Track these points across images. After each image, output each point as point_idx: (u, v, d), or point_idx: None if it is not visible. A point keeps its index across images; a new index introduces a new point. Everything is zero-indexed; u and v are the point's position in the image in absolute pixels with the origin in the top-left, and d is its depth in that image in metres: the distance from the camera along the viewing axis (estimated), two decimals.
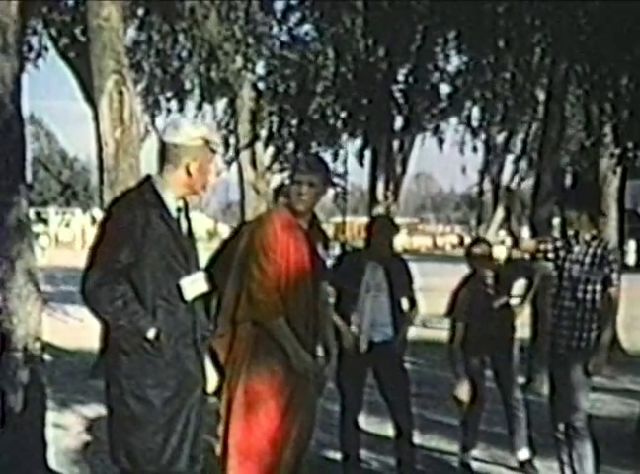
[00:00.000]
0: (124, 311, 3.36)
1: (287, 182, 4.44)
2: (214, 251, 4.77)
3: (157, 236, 3.44)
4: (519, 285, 6.06)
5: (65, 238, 51.90)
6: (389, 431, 5.66)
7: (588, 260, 5.08)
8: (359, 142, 14.56)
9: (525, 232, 10.43)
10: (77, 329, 11.82)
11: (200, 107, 14.39)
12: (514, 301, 6.07)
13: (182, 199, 3.64)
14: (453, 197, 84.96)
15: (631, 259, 36.96)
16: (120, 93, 5.98)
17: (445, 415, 6.99)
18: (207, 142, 3.57)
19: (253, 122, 14.21)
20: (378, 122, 13.44)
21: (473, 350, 5.82)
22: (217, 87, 13.73)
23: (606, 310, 5.08)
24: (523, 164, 25.53)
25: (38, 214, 49.56)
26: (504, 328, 5.87)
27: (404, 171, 14.65)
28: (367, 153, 14.26)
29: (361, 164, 14.44)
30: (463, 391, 5.70)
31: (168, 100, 14.22)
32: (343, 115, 14.12)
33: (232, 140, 14.93)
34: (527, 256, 5.78)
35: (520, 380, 6.48)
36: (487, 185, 28.17)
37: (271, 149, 14.85)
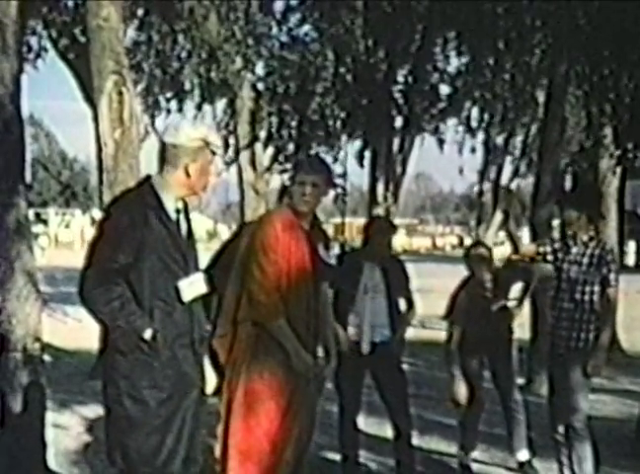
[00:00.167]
0: (121, 312, 3.36)
1: (290, 182, 4.42)
2: (215, 252, 4.77)
3: (155, 237, 3.43)
4: (515, 287, 6.06)
5: (65, 239, 51.90)
6: (388, 432, 5.65)
7: (586, 261, 5.10)
8: (358, 143, 14.57)
9: (525, 233, 10.44)
10: (77, 329, 11.81)
11: (199, 107, 14.38)
12: (511, 303, 6.07)
13: (181, 200, 3.64)
14: (453, 198, 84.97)
15: (631, 260, 36.98)
16: (120, 93, 5.97)
17: (445, 416, 6.99)
18: (207, 143, 3.56)
19: (252, 123, 14.20)
20: (378, 123, 13.44)
21: (471, 351, 5.81)
22: (217, 87, 13.72)
23: (605, 311, 5.10)
24: (523, 165, 25.51)
25: (37, 215, 49.58)
26: (502, 330, 5.87)
27: (404, 172, 14.64)
28: (367, 154, 14.27)
29: (361, 165, 14.44)
30: (460, 393, 5.70)
31: (168, 100, 14.21)
32: (342, 115, 14.12)
33: (232, 141, 14.93)
34: (527, 259, 5.78)
35: (520, 381, 6.48)
36: (487, 185, 28.16)
37: (270, 150, 14.84)
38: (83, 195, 64.19)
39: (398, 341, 5.57)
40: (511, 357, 5.95)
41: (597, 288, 5.07)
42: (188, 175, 3.55)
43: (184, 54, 13.41)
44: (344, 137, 14.64)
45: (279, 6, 14.02)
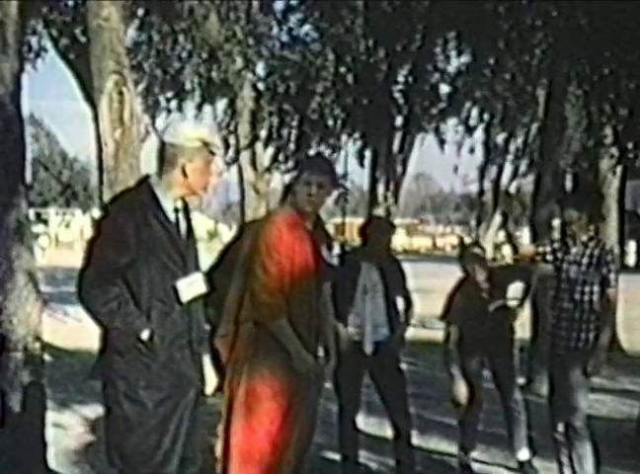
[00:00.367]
0: (119, 312, 3.36)
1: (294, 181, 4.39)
2: (219, 252, 4.77)
3: (153, 237, 3.43)
4: (515, 287, 6.06)
5: (65, 238, 51.91)
6: (388, 431, 5.66)
7: (585, 261, 5.10)
8: (359, 143, 14.57)
9: (526, 233, 10.43)
10: (77, 329, 11.81)
11: (200, 107, 14.39)
12: (512, 303, 6.07)
13: (181, 200, 3.63)
14: (453, 198, 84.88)
15: (631, 260, 36.97)
16: (121, 93, 5.97)
17: (445, 415, 6.99)
18: (205, 144, 3.55)
19: (253, 123, 14.21)
20: (378, 123, 13.44)
21: (470, 351, 5.82)
22: (217, 87, 13.73)
23: (605, 311, 5.10)
24: (524, 165, 25.53)
25: (37, 215, 49.62)
26: (501, 330, 5.86)
27: (404, 171, 14.64)
28: (367, 154, 14.27)
29: (362, 165, 14.45)
30: (460, 393, 5.70)
31: (168, 100, 14.21)
32: (343, 115, 14.12)
33: (232, 141, 14.93)
34: (526, 259, 5.78)
35: (520, 381, 6.48)
36: (487, 185, 28.17)
37: (271, 150, 14.85)
38: (83, 194, 64.19)
39: (398, 340, 5.58)
40: (512, 357, 5.95)
41: (596, 288, 5.08)
42: (185, 175, 3.54)
43: (184, 54, 13.41)
44: (344, 137, 14.65)
45: (279, 6, 14.02)
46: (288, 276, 4.10)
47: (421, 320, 11.82)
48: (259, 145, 14.71)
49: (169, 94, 14.18)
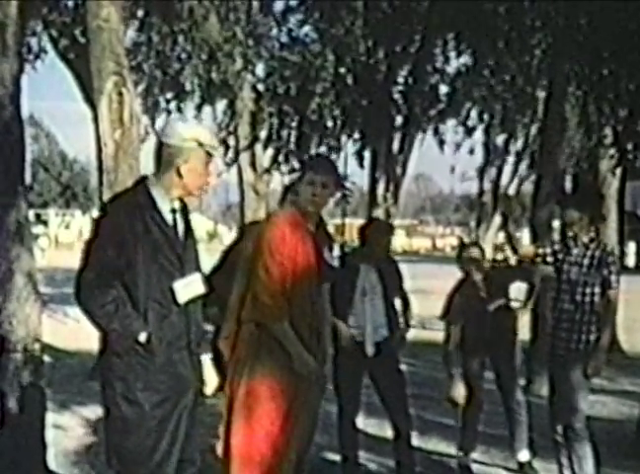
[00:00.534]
0: (116, 315, 3.35)
1: (297, 181, 4.38)
2: (221, 253, 4.78)
3: (149, 238, 3.42)
4: (517, 288, 6.05)
5: (65, 239, 51.90)
6: (388, 432, 5.66)
7: (586, 262, 5.09)
8: (358, 144, 14.57)
9: (526, 234, 10.43)
10: (76, 330, 11.80)
11: (199, 108, 14.38)
12: (514, 304, 6.06)
13: (179, 201, 3.62)
14: (453, 199, 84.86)
15: (631, 261, 36.97)
16: (120, 94, 5.96)
17: (444, 416, 6.99)
18: (201, 144, 3.53)
19: (253, 124, 14.21)
20: (378, 124, 13.44)
21: (471, 352, 5.82)
22: (217, 88, 13.73)
23: (605, 312, 5.08)
24: (524, 166, 25.55)
25: (37, 216, 49.63)
26: (503, 330, 5.85)
27: (404, 172, 14.64)
28: (367, 155, 14.26)
29: (361, 165, 14.45)
30: (458, 392, 5.71)
31: (168, 101, 14.21)
32: (342, 116, 14.12)
33: (232, 142, 14.93)
34: (526, 260, 5.77)
35: (520, 382, 6.47)
36: (487, 186, 28.17)
37: (270, 151, 14.85)
38: (83, 195, 64.17)
39: (398, 340, 5.58)
40: (514, 358, 5.93)
41: (597, 290, 5.07)
42: (180, 175, 3.52)
43: (184, 55, 13.41)
44: (344, 138, 14.65)
45: (279, 7, 14.01)
46: (290, 278, 4.09)
47: (421, 321, 11.82)
48: (258, 146, 14.71)
49: (169, 95, 14.18)
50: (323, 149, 14.32)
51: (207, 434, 4.86)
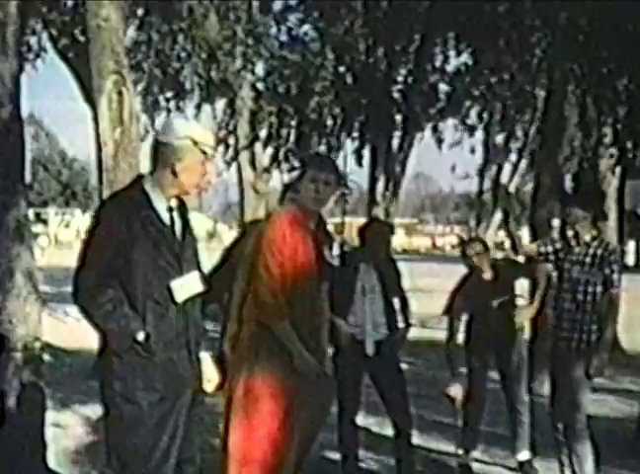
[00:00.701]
0: (113, 315, 3.35)
1: (297, 179, 4.35)
2: (222, 252, 4.77)
3: (145, 237, 3.40)
4: (520, 285, 6.04)
5: (65, 238, 51.82)
6: (388, 430, 5.66)
7: (588, 261, 5.07)
8: (357, 142, 14.57)
9: (525, 233, 10.44)
10: (76, 329, 11.80)
11: (199, 107, 14.39)
12: (520, 301, 6.05)
13: (177, 199, 3.60)
14: (453, 198, 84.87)
15: (630, 259, 36.95)
16: (120, 93, 5.96)
17: (445, 415, 6.98)
18: (196, 143, 3.50)
19: (252, 123, 14.21)
20: (378, 123, 13.44)
21: (475, 349, 5.82)
22: (217, 87, 13.73)
23: (607, 311, 5.06)
24: (523, 164, 25.51)
25: (37, 215, 49.56)
26: (507, 327, 5.79)
27: (403, 171, 14.64)
28: (366, 153, 14.27)
29: (360, 164, 14.45)
30: (455, 388, 5.71)
31: (167, 100, 14.21)
32: (342, 115, 14.12)
33: (232, 141, 14.93)
34: (526, 258, 5.76)
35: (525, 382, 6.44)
36: (486, 185, 28.14)
37: (270, 149, 14.85)
38: (83, 194, 64.11)
39: (398, 340, 5.58)
40: (519, 357, 5.91)
41: (599, 289, 5.04)
42: (175, 174, 3.50)
43: (183, 54, 13.41)
44: (343, 137, 14.65)
45: (278, 6, 13.99)
46: (291, 277, 4.08)
47: (421, 320, 11.82)
48: (258, 145, 14.72)
49: (168, 94, 14.18)
50: (323, 148, 14.32)
51: (207, 433, 4.87)
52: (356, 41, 13.18)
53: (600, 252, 5.06)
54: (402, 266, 5.79)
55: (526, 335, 6.54)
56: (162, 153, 3.52)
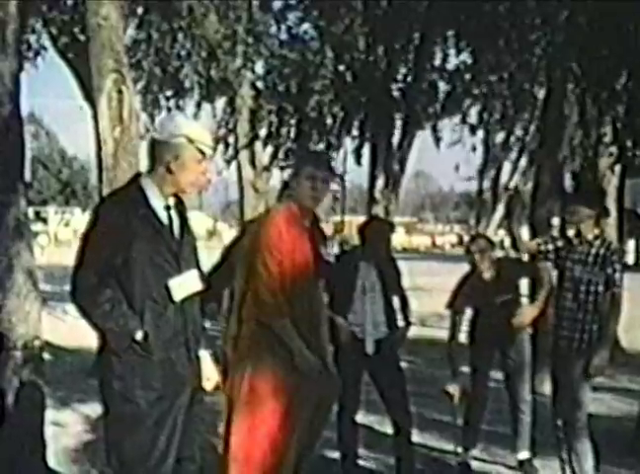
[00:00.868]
0: (112, 314, 3.35)
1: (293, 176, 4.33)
2: (222, 251, 4.78)
3: (142, 236, 3.40)
4: (524, 283, 6.03)
5: (64, 237, 51.80)
6: (388, 429, 5.66)
7: (591, 260, 5.03)
8: (357, 141, 14.56)
9: (525, 232, 10.44)
10: (76, 328, 11.80)
11: (199, 106, 14.37)
12: (524, 299, 6.04)
13: (175, 198, 3.60)
14: (453, 197, 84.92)
15: (630, 258, 36.95)
16: (120, 92, 5.96)
17: (445, 413, 6.99)
18: (192, 141, 3.50)
19: (252, 121, 14.20)
20: (377, 121, 13.43)
21: (479, 347, 5.83)
22: (217, 86, 13.72)
23: (609, 311, 5.03)
24: (523, 163, 25.51)
25: (37, 213, 49.56)
26: (512, 326, 5.73)
27: (403, 170, 14.63)
28: (366, 152, 14.26)
29: (359, 163, 14.44)
30: (454, 387, 5.72)
31: (167, 99, 14.19)
32: (342, 113, 14.11)
33: (231, 139, 14.92)
34: (527, 256, 5.75)
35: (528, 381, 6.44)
36: (486, 184, 28.15)
37: (270, 148, 14.84)
38: (83, 193, 64.11)
39: (399, 338, 5.59)
40: (524, 356, 5.91)
41: (601, 288, 5.00)
42: (170, 172, 3.50)
43: (183, 53, 13.39)
44: (343, 135, 14.64)
45: (278, 4, 13.97)
46: (289, 275, 4.08)
47: (420, 318, 11.82)
48: (258, 144, 14.71)
49: (168, 92, 14.16)
50: (322, 146, 14.32)
51: (207, 431, 4.87)
52: (355, 40, 13.17)
53: (602, 251, 5.02)
54: (402, 264, 5.79)
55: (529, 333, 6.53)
56: (159, 151, 3.51)
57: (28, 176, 5.56)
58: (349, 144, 14.93)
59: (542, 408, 5.93)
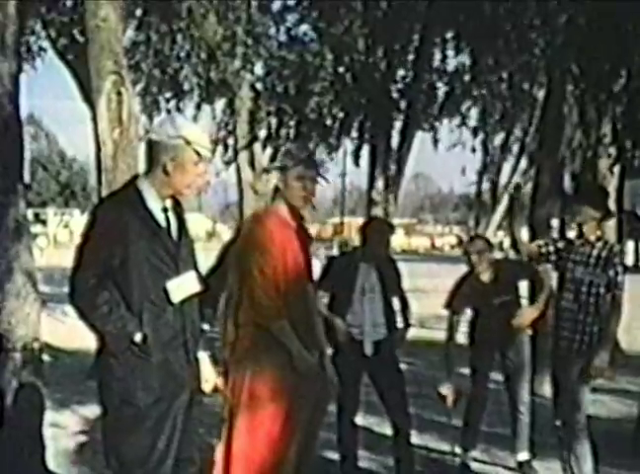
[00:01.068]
0: (110, 316, 3.34)
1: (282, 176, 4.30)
2: (218, 253, 4.77)
3: (140, 238, 3.39)
4: (523, 285, 6.02)
5: (63, 239, 51.80)
6: (388, 430, 5.66)
7: (592, 261, 5.00)
8: (357, 143, 14.57)
9: (524, 233, 10.44)
10: (75, 329, 11.79)
11: (198, 107, 14.38)
12: (524, 301, 6.03)
13: (172, 200, 3.59)
14: (452, 198, 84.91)
15: (629, 260, 36.95)
16: (119, 93, 5.96)
17: (444, 415, 6.98)
18: (189, 143, 3.48)
19: (251, 123, 14.20)
20: (377, 123, 13.43)
21: (478, 348, 5.82)
22: (216, 87, 13.72)
23: (610, 313, 5.02)
24: (523, 164, 25.53)
25: (36, 215, 49.55)
26: (511, 328, 5.73)
27: (402, 171, 14.62)
28: (365, 154, 14.27)
29: (357, 164, 14.45)
30: (446, 388, 5.72)
31: (167, 100, 14.20)
32: (341, 115, 14.11)
33: (231, 141, 14.92)
34: (528, 258, 5.73)
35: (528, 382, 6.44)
36: (485, 185, 28.19)
37: (269, 150, 14.84)
38: (82, 195, 64.08)
39: (398, 340, 5.58)
40: (524, 358, 5.91)
41: (602, 290, 4.98)
42: (167, 173, 3.49)
43: (183, 54, 13.41)
44: (342, 137, 14.64)
45: (277, 5, 13.97)
46: (283, 276, 4.06)
47: (420, 320, 11.81)
48: (257, 145, 14.71)
49: (167, 94, 14.17)
50: (322, 148, 14.32)
51: (207, 433, 4.86)
52: (355, 41, 13.16)
53: (604, 253, 4.99)
54: (401, 266, 5.79)
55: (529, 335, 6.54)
56: (156, 152, 3.50)
57: (27, 177, 5.56)
58: (348, 146, 14.94)
59: (542, 409, 5.93)
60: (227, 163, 14.98)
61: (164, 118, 3.92)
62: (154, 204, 3.50)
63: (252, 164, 14.83)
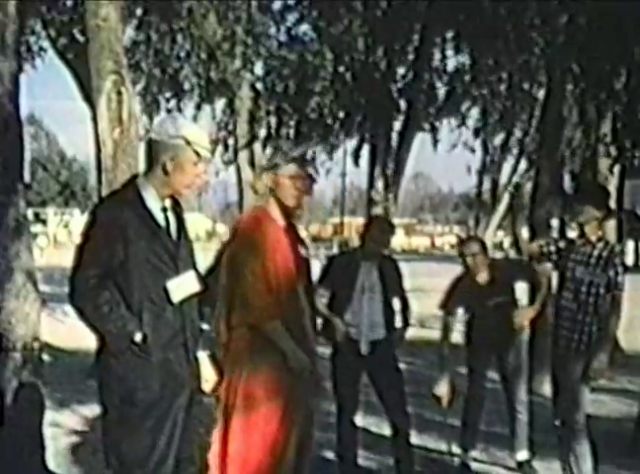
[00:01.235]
0: (110, 316, 3.34)
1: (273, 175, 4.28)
2: (216, 253, 4.76)
3: (140, 237, 3.39)
4: (521, 287, 6.02)
5: (63, 238, 51.81)
6: (387, 430, 5.66)
7: (593, 261, 5.00)
8: (356, 142, 14.57)
9: (524, 233, 10.44)
10: (75, 329, 11.79)
11: (198, 107, 14.37)
12: (521, 303, 6.03)
13: (171, 199, 3.59)
14: (452, 198, 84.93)
15: (629, 259, 36.95)
16: (119, 93, 5.96)
17: (443, 414, 6.98)
18: (189, 143, 3.48)
19: (251, 123, 14.20)
20: (377, 122, 13.43)
21: (475, 348, 5.82)
22: (216, 87, 13.71)
23: (609, 313, 5.01)
24: (523, 164, 25.52)
25: (36, 215, 49.56)
26: (507, 328, 5.74)
27: (402, 171, 14.63)
28: (365, 153, 14.27)
29: (357, 164, 14.44)
30: (441, 388, 5.72)
31: (167, 100, 14.19)
32: (341, 114, 14.11)
33: (231, 141, 14.92)
34: (529, 258, 5.73)
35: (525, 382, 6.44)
36: (486, 185, 28.14)
37: (269, 149, 14.83)
38: (82, 194, 64.07)
39: (397, 339, 5.58)
40: (521, 358, 5.91)
41: (602, 290, 4.97)
42: (166, 173, 3.49)
43: (183, 54, 13.40)
44: (342, 136, 14.64)
45: (277, 5, 13.96)
46: (274, 276, 4.03)
47: (419, 319, 11.82)
48: (257, 145, 14.70)
49: (167, 93, 14.16)
50: (322, 148, 14.32)
51: (206, 433, 4.86)
52: (355, 41, 13.15)
53: (605, 253, 4.98)
54: (401, 266, 5.79)
55: (526, 335, 6.54)
56: (156, 151, 3.51)
57: (27, 177, 5.56)
58: (348, 145, 14.94)
59: (542, 409, 5.93)
60: (227, 163, 14.97)
61: (164, 117, 3.92)
62: (153, 204, 3.51)
63: (252, 164, 14.81)
